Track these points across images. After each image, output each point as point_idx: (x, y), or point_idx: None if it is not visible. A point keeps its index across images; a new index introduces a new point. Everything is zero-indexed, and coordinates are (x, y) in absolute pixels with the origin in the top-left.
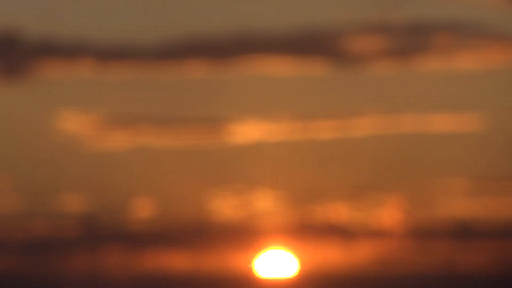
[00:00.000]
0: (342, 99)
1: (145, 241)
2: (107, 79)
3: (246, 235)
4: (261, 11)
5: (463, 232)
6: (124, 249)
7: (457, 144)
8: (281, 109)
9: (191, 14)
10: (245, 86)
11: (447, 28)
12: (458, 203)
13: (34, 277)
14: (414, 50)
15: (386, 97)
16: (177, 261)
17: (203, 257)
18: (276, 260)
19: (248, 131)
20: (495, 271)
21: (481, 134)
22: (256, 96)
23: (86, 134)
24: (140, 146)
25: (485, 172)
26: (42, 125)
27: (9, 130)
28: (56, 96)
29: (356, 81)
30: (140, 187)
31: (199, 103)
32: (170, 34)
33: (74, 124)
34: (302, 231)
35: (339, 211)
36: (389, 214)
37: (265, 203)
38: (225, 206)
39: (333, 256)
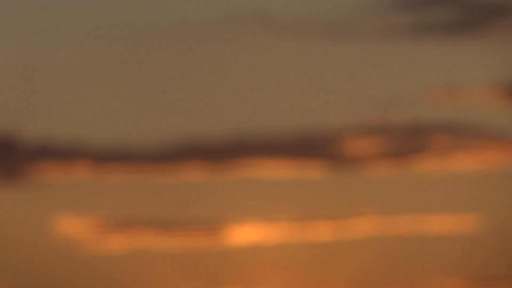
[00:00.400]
0: (340, 201)
1: None
2: (105, 182)
3: None
4: (258, 114)
5: None
6: None
7: (455, 246)
8: (279, 211)
9: (188, 117)
10: (243, 189)
11: (444, 130)
12: None
13: None
14: (412, 152)
15: (384, 199)
16: None
17: None
18: None
19: (246, 234)
20: None
21: (479, 236)
22: (254, 199)
23: (83, 237)
24: (138, 250)
25: (483, 273)
26: (38, 229)
27: (5, 234)
28: (53, 199)
29: (354, 183)
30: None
31: (197, 206)
32: (168, 136)
33: (72, 227)
34: None
35: None
36: None
37: None
38: None
39: None
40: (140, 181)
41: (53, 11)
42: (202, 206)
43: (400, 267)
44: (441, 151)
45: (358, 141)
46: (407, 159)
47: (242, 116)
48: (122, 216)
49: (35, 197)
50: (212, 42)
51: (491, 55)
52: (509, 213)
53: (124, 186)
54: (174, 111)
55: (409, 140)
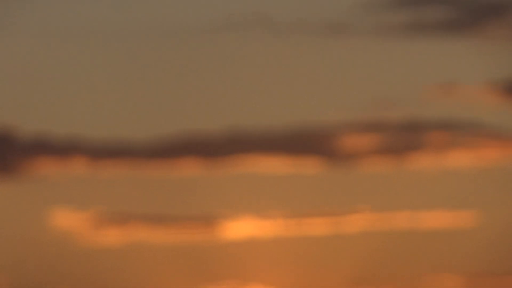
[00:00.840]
0: (336, 197)
1: None
2: (101, 177)
3: None
4: (254, 110)
5: None
6: None
7: (450, 242)
8: (274, 206)
9: (184, 113)
10: (238, 184)
11: (440, 127)
12: None
13: None
14: (408, 149)
15: (379, 195)
16: None
17: None
18: None
19: (241, 228)
20: None
21: (474, 232)
22: (249, 194)
23: (80, 231)
24: (134, 243)
25: (477, 268)
26: (36, 223)
27: (2, 228)
28: (49, 193)
29: (350, 179)
30: (134, 283)
31: (192, 201)
32: (163, 132)
33: (68, 221)
34: None
35: None
36: None
37: None
38: None
39: None
40: (136, 176)
41: (52, 12)
42: (197, 201)
43: (396, 261)
44: (437, 148)
45: (354, 138)
46: (403, 156)
47: (238, 113)
48: (118, 210)
49: (33, 191)
50: (208, 42)
51: (487, 54)
52: (505, 209)
53: (120, 181)
54: (170, 108)
55: (405, 137)
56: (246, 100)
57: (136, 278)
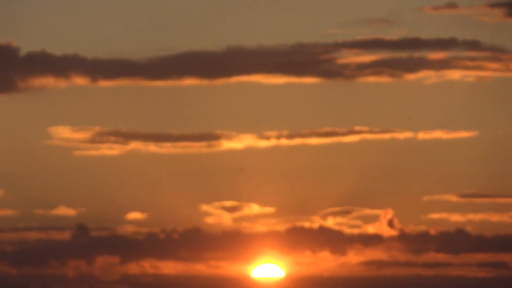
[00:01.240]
0: (334, 112)
1: (139, 248)
2: (100, 95)
3: (238, 244)
4: (253, 29)
5: (452, 244)
6: (119, 256)
7: (446, 159)
8: (273, 121)
9: (183, 32)
10: (238, 102)
11: (439, 45)
12: (446, 217)
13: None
14: (407, 65)
15: (377, 111)
16: (172, 268)
17: (196, 264)
18: (267, 265)
19: (239, 142)
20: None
21: (471, 149)
22: (248, 111)
23: (79, 146)
24: (132, 160)
25: (472, 189)
26: (36, 135)
27: (4, 141)
28: (50, 108)
29: (347, 94)
30: (133, 198)
31: (191, 119)
32: (163, 51)
33: (68, 136)
34: (291, 239)
35: (331, 219)
36: (379, 225)
37: (256, 214)
38: (218, 217)
39: (320, 262)
40: (135, 93)
41: None
42: (196, 119)
43: (394, 171)
44: (437, 63)
45: (353, 54)
46: (401, 72)
47: (236, 31)
48: (117, 128)
49: (33, 107)
50: None
51: None
52: (502, 126)
53: (119, 97)
54: (169, 27)
55: (404, 53)
56: (244, 20)
57: (134, 187)
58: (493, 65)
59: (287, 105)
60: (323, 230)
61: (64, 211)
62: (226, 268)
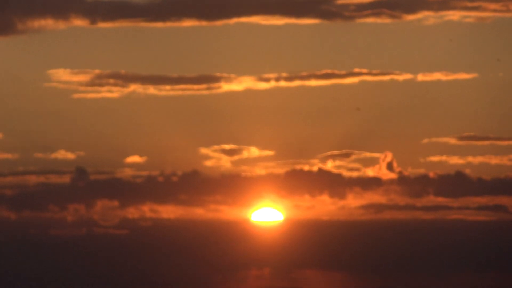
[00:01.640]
0: (333, 54)
1: (138, 192)
2: (99, 37)
3: (237, 187)
4: None
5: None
6: (118, 200)
7: (446, 102)
8: (272, 63)
9: None
10: (236, 44)
11: None
12: (446, 160)
13: (27, 226)
14: (406, 6)
15: (376, 52)
16: (171, 212)
17: (196, 208)
18: (266, 209)
19: (239, 85)
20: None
21: (472, 85)
22: (247, 52)
23: (78, 89)
24: (131, 103)
25: (470, 131)
26: (34, 80)
27: (5, 82)
28: (47, 52)
29: (347, 36)
30: (132, 142)
31: (190, 61)
32: None
33: (67, 80)
34: (290, 183)
35: (330, 162)
36: (378, 168)
37: (256, 157)
38: (217, 160)
39: (319, 206)
40: (134, 35)
41: None
42: (195, 60)
43: (393, 114)
44: (436, 5)
45: None
46: (401, 13)
47: None
48: (116, 67)
49: (32, 48)
50: None
51: None
52: (502, 68)
53: (118, 39)
54: None
55: None
56: None
57: (134, 130)
58: (493, 6)
59: (286, 46)
60: (322, 173)
61: (63, 155)
62: (226, 212)
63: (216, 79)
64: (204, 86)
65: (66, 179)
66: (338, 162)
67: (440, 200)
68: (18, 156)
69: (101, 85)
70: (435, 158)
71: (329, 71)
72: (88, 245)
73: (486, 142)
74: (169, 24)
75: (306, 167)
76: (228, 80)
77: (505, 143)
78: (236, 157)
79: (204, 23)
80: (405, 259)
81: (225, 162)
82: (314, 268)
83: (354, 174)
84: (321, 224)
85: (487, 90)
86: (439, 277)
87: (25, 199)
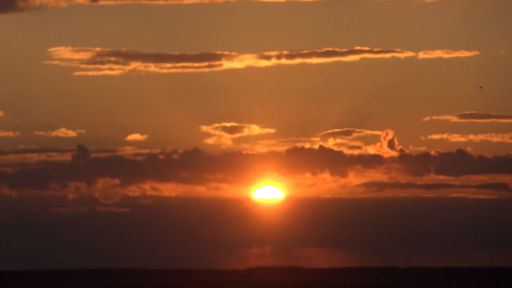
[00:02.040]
0: (334, 32)
1: (139, 170)
2: (101, 14)
3: (238, 165)
4: None
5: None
6: (119, 178)
7: (448, 73)
8: (273, 41)
9: None
10: (238, 21)
11: None
12: (447, 138)
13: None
14: None
15: (378, 29)
16: (172, 190)
17: (197, 186)
18: (267, 187)
19: (240, 63)
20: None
21: (474, 62)
22: (248, 30)
23: (79, 67)
24: (132, 81)
25: (471, 109)
26: (35, 58)
27: (6, 59)
28: (48, 29)
29: (348, 13)
30: (133, 120)
31: (191, 39)
32: None
33: (68, 58)
34: (292, 161)
35: (331, 140)
36: (379, 146)
37: (257, 135)
38: (218, 138)
39: (320, 184)
40: (135, 13)
41: None
42: (196, 37)
43: (394, 91)
44: None
45: None
46: None
47: None
48: (117, 44)
49: (33, 26)
50: None
51: None
52: (504, 45)
53: (120, 17)
54: None
55: None
56: None
57: (135, 108)
58: None
59: (287, 24)
60: (323, 151)
61: (64, 133)
62: (226, 190)
63: (217, 57)
64: (205, 64)
65: (67, 157)
66: (339, 140)
67: (441, 178)
68: (19, 134)
69: (102, 63)
70: (436, 136)
71: (330, 49)
72: (89, 223)
73: (488, 120)
74: (170, 1)
75: (307, 145)
76: (229, 58)
77: (507, 121)
78: (237, 135)
79: (205, 0)
80: (406, 237)
81: (226, 140)
82: (315, 246)
83: (355, 152)
84: (322, 202)
85: (489, 68)
86: (440, 254)
87: (26, 177)
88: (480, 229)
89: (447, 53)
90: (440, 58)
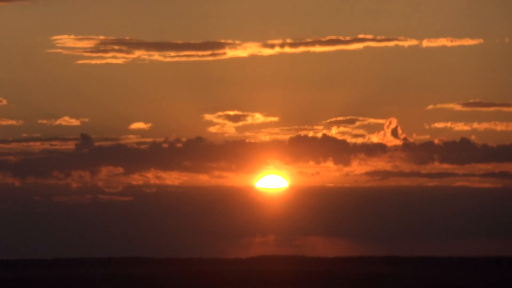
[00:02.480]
0: (338, 20)
1: (142, 159)
2: (104, 3)
3: (241, 153)
4: None
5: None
6: (122, 167)
7: (452, 61)
8: (277, 29)
9: None
10: (241, 9)
11: None
12: (451, 126)
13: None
14: None
15: (381, 18)
16: (175, 179)
17: (200, 175)
18: (271, 176)
19: (244, 51)
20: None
21: (478, 50)
22: (252, 19)
23: (83, 55)
24: (135, 69)
25: (475, 98)
26: (38, 46)
27: (6, 50)
28: (51, 18)
29: (351, 1)
30: (136, 108)
31: (195, 27)
32: None
33: (71, 46)
34: (295, 149)
35: (334, 129)
36: (383, 134)
37: (260, 123)
38: (221, 127)
39: (323, 172)
40: (138, 1)
41: None
42: (200, 26)
43: (398, 80)
44: None
45: None
46: None
47: None
48: (120, 33)
49: (36, 14)
50: None
51: None
52: (508, 33)
53: (123, 5)
54: None
55: None
56: None
57: (138, 97)
58: None
59: (291, 13)
60: (326, 139)
61: (67, 121)
62: (230, 178)
63: (221, 46)
64: (208, 52)
65: (70, 145)
66: (342, 129)
67: (445, 167)
68: (22, 123)
69: (105, 51)
70: (440, 125)
71: (334, 37)
72: (92, 211)
73: (492, 109)
74: None
75: (310, 134)
76: (233, 46)
77: (511, 109)
78: (240, 123)
79: None
80: (410, 226)
81: (230, 129)
82: (319, 235)
83: (359, 140)
84: (325, 191)
85: (493, 56)
86: (444, 243)
87: (29, 165)
88: (484, 218)
89: (451, 41)
90: (444, 46)
